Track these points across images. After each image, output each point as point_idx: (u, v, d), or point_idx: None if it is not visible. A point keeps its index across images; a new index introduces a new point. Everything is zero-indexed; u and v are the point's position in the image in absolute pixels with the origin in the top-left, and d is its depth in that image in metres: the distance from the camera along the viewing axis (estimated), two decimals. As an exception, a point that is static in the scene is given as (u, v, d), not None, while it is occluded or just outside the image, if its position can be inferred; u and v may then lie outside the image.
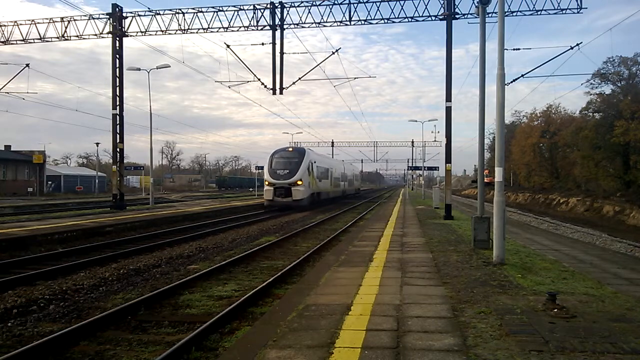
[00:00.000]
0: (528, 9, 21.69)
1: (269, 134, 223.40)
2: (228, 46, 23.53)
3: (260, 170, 42.77)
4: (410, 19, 22.38)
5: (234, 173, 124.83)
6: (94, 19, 25.01)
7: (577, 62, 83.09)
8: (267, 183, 30.27)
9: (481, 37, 11.40)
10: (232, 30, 24.02)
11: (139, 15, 24.63)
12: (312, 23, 23.27)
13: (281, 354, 4.35)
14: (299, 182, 29.56)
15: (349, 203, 40.18)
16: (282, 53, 23.54)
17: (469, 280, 7.53)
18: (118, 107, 25.21)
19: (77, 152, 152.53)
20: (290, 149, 33.02)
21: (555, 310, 5.54)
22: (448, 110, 20.86)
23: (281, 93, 23.91)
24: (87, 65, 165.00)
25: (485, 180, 14.28)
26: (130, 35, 25.05)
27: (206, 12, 24.01)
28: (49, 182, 60.76)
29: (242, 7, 23.51)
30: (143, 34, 24.64)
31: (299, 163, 30.43)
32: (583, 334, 4.80)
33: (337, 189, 43.99)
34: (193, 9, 24.12)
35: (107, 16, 24.82)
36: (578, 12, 21.50)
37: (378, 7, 22.60)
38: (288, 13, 23.35)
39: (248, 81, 24.44)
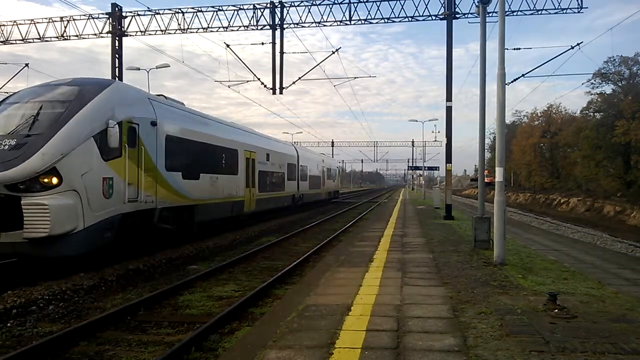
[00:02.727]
0: (528, 9, 21.68)
1: (269, 134, 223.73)
2: (227, 45, 23.49)
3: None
4: (410, 19, 22.36)
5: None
6: (93, 18, 24.97)
7: (578, 61, 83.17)
8: None
9: (481, 36, 11.40)
10: (232, 30, 23.98)
11: (139, 15, 24.59)
12: (312, 22, 23.23)
13: (281, 355, 4.33)
14: (50, 180, 8.80)
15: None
16: (282, 52, 23.51)
17: (469, 280, 7.52)
18: (118, 107, 25.13)
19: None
20: (67, 81, 11.14)
21: (556, 310, 5.53)
22: (448, 110, 20.82)
23: (281, 93, 23.86)
24: (85, 65, 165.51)
25: (486, 180, 14.29)
26: (130, 35, 25.01)
27: (206, 11, 23.98)
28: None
29: (241, 7, 23.50)
30: (142, 33, 24.60)
31: (65, 115, 9.43)
32: (584, 335, 4.79)
33: (276, 192, 23.76)
34: (193, 8, 24.12)
35: (107, 16, 24.79)
36: (578, 12, 21.46)
37: (378, 7, 22.57)
38: (288, 12, 23.33)
39: (247, 81, 24.40)
